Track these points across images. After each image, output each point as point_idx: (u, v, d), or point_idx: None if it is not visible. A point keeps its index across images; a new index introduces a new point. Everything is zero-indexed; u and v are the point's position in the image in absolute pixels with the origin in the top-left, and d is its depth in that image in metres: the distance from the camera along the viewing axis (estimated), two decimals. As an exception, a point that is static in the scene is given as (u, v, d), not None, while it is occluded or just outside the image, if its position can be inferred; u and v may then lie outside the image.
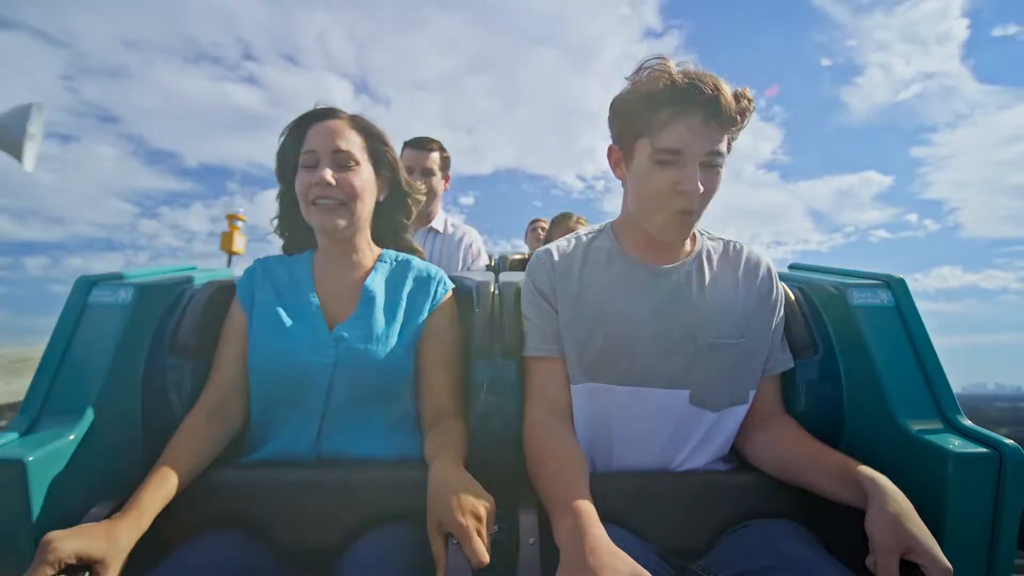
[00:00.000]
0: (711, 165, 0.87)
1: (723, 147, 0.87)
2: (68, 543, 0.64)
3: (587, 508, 0.73)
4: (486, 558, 0.69)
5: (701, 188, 0.86)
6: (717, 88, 0.84)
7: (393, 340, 0.97)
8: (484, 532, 0.71)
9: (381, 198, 1.08)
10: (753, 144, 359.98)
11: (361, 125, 1.03)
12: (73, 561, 0.64)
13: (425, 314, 1.02)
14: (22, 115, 4.27)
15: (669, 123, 0.86)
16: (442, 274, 1.09)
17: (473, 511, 0.72)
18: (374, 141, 1.04)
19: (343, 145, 0.98)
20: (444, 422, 0.95)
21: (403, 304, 1.02)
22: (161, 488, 0.77)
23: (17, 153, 4.34)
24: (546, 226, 3.24)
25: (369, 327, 0.97)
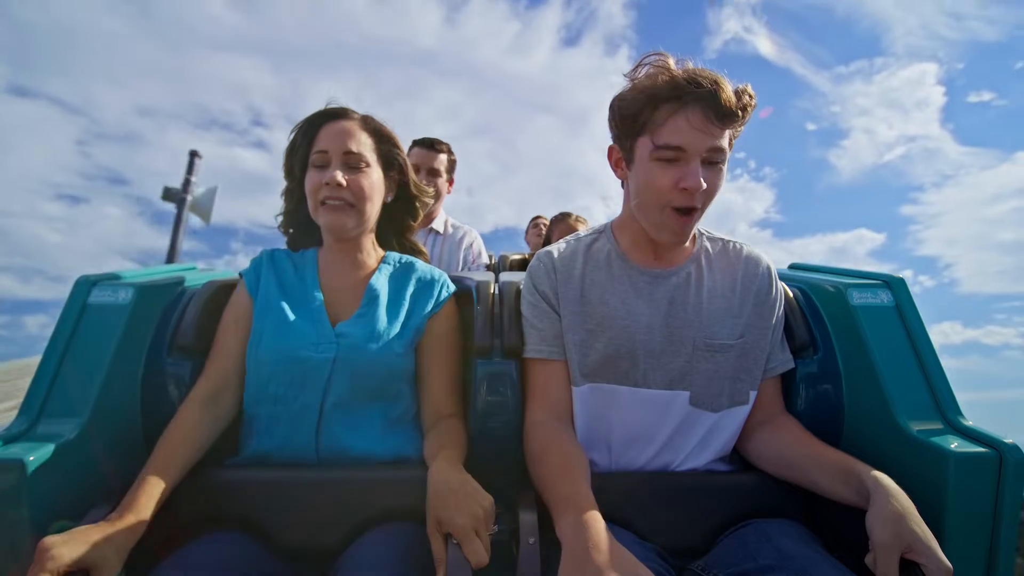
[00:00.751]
0: (713, 162, 0.87)
1: (724, 143, 0.87)
2: (66, 551, 0.64)
3: (590, 505, 0.73)
4: (486, 558, 0.69)
5: (704, 185, 0.85)
6: (717, 84, 0.83)
7: (394, 340, 0.98)
8: (483, 532, 0.71)
9: (389, 199, 1.09)
10: (745, 203, 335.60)
11: (372, 126, 1.04)
12: (70, 568, 0.64)
13: (426, 316, 1.02)
14: (211, 193, 7.22)
15: (670, 119, 0.86)
16: (445, 277, 1.09)
17: (472, 511, 0.72)
18: (384, 143, 1.05)
19: (354, 147, 0.99)
20: (444, 423, 0.96)
21: (406, 305, 1.03)
22: (158, 486, 0.77)
23: (206, 217, 7.21)
24: (547, 223, 3.24)
25: (371, 325, 0.97)
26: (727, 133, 0.87)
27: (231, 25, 29.54)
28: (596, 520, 0.70)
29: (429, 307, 1.03)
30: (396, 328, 0.99)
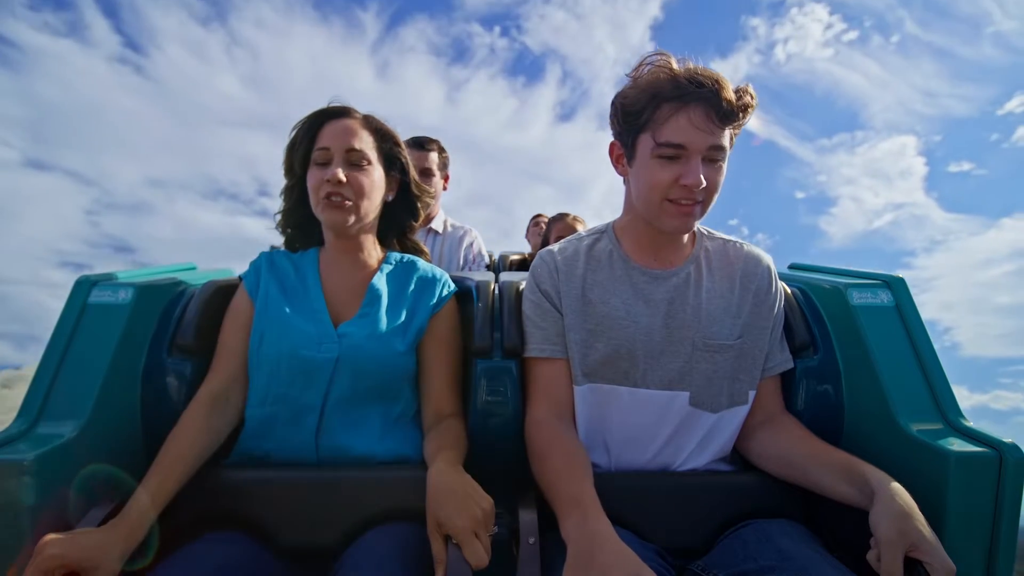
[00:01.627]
0: (713, 160, 0.87)
1: (725, 142, 0.87)
2: (61, 551, 0.64)
3: (594, 504, 0.73)
4: (486, 560, 0.69)
5: (704, 182, 0.86)
6: (719, 83, 0.84)
7: (396, 339, 0.98)
8: (483, 534, 0.72)
9: (390, 198, 1.09)
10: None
11: (374, 125, 1.04)
12: (65, 571, 0.64)
13: (428, 315, 1.02)
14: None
15: (671, 117, 0.86)
16: (446, 277, 1.09)
17: (472, 513, 0.72)
18: (386, 142, 1.05)
19: (356, 144, 0.99)
20: (444, 423, 0.96)
21: (407, 304, 1.02)
22: (161, 492, 0.77)
23: None
24: (547, 221, 3.24)
25: (373, 325, 0.97)
26: (728, 132, 0.87)
27: (242, 103, 28.87)
28: (601, 520, 0.70)
29: (431, 306, 1.03)
30: (399, 328, 0.99)
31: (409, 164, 1.09)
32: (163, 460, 0.81)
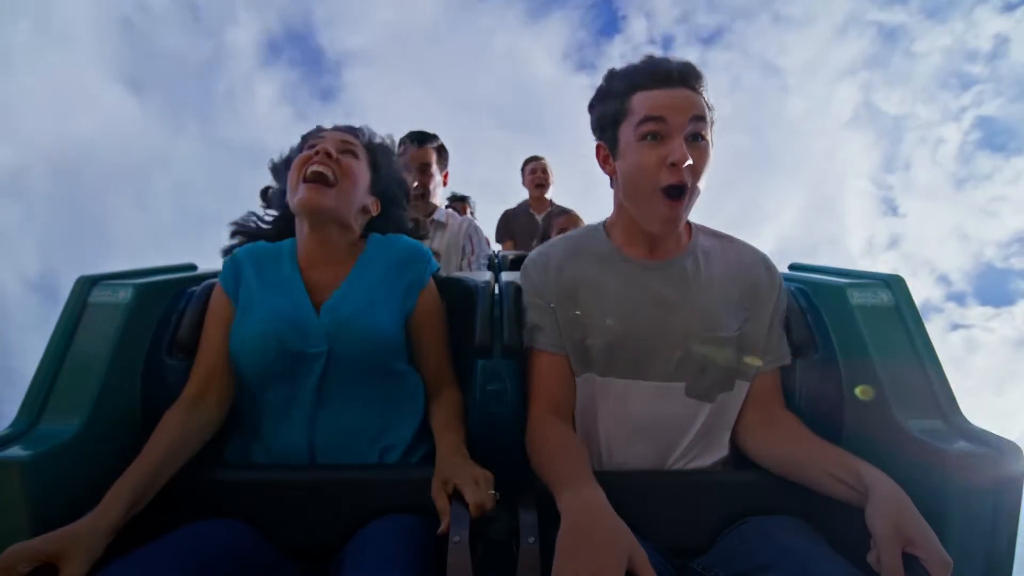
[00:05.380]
0: (696, 136, 0.88)
1: (704, 111, 0.89)
2: (22, 545, 0.64)
3: (588, 477, 0.75)
4: (489, 502, 0.76)
5: (690, 159, 0.86)
6: (680, 60, 0.90)
7: (381, 315, 0.97)
8: (484, 487, 0.78)
9: (375, 212, 1.09)
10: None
11: (371, 143, 1.10)
12: (29, 567, 0.63)
13: (414, 292, 1.03)
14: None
15: (647, 96, 0.89)
16: (429, 253, 1.08)
17: (475, 472, 0.80)
18: (376, 154, 1.10)
19: (350, 139, 1.04)
20: (444, 394, 1.02)
21: (389, 279, 1.02)
22: (128, 480, 0.76)
23: None
24: (546, 166, 3.21)
25: (355, 303, 0.97)
26: (701, 100, 0.89)
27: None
28: (596, 491, 0.72)
29: (416, 283, 1.03)
30: (382, 304, 0.98)
31: (402, 185, 1.14)
32: (137, 463, 0.80)
